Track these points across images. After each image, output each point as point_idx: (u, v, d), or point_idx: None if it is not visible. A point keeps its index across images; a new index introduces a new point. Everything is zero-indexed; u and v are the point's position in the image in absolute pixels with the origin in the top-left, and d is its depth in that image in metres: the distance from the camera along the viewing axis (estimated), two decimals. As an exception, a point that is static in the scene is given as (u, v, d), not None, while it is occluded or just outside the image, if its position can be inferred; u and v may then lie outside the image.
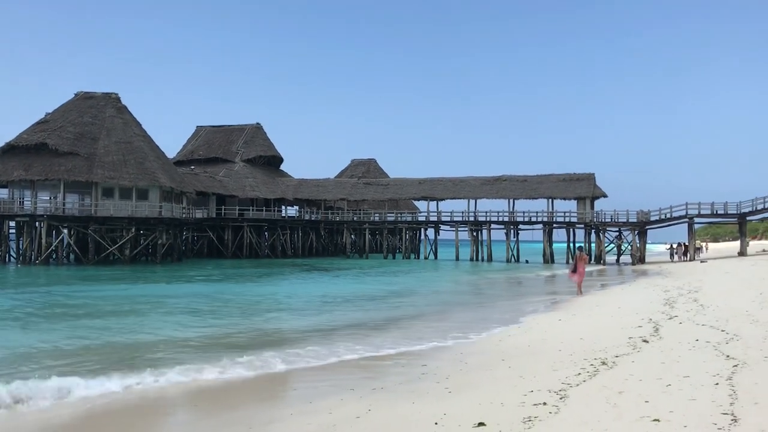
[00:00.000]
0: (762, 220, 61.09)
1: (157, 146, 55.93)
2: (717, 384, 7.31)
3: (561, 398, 7.30)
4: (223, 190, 64.31)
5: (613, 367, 9.00)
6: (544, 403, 7.10)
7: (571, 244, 58.70)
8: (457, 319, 18.29)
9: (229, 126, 76.59)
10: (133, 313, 19.72)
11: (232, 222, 62.87)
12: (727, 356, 9.05)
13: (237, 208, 63.85)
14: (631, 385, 7.70)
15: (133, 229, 48.98)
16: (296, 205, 71.55)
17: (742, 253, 50.09)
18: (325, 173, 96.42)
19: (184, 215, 54.44)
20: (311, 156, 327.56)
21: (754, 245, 65.14)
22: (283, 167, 78.18)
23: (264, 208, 66.58)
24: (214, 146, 73.36)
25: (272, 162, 75.46)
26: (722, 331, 11.54)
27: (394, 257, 68.99)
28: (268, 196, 67.43)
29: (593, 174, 61.04)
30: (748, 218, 52.21)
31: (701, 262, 46.59)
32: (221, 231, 63.01)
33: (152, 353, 12.57)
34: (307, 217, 68.94)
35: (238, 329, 16.22)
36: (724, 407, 6.28)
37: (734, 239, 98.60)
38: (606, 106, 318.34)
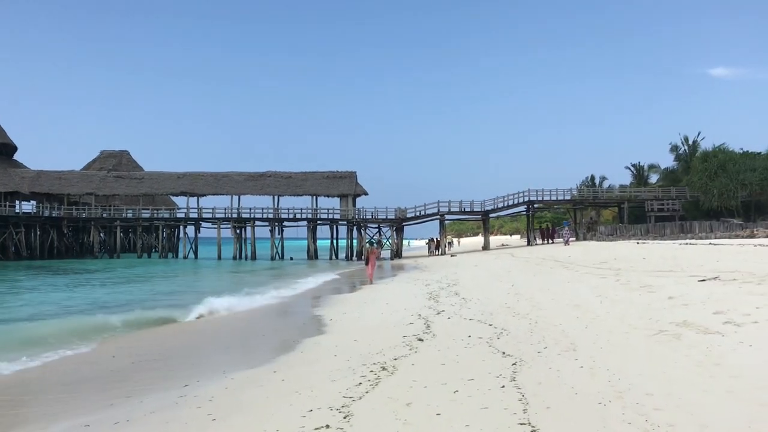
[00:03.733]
0: (498, 217, 68.10)
1: None
2: (503, 387, 6.94)
3: (345, 417, 6.36)
4: (-64, 182, 54.51)
5: (394, 373, 8.35)
6: (328, 426, 6.10)
7: (335, 241, 59.77)
8: (215, 327, 16.75)
9: (-55, 107, 65.25)
10: None
11: (-51, 219, 53.51)
12: (503, 353, 8.91)
13: (-44, 202, 54.50)
14: (418, 393, 7.05)
15: None
16: (34, 200, 63.10)
17: (485, 247, 54.95)
18: (70, 165, 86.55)
19: None
20: (53, 146, 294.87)
21: (493, 240, 71.94)
22: (17, 157, 68.63)
23: (-8, 202, 57.74)
24: (-74, 130, 61.97)
25: (3, 151, 65.84)
26: (490, 325, 11.65)
27: (149, 257, 64.24)
28: (-2, 190, 58.64)
29: (355, 172, 62.86)
30: (490, 215, 57.48)
31: (451, 256, 50.00)
32: (-66, 230, 53.30)
33: None
34: (46, 214, 61.19)
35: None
36: (519, 415, 5.82)
37: (474, 235, 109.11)
38: (365, 106, 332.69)
